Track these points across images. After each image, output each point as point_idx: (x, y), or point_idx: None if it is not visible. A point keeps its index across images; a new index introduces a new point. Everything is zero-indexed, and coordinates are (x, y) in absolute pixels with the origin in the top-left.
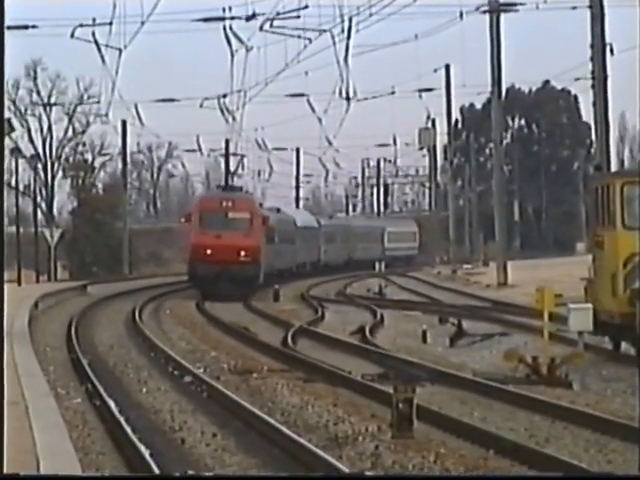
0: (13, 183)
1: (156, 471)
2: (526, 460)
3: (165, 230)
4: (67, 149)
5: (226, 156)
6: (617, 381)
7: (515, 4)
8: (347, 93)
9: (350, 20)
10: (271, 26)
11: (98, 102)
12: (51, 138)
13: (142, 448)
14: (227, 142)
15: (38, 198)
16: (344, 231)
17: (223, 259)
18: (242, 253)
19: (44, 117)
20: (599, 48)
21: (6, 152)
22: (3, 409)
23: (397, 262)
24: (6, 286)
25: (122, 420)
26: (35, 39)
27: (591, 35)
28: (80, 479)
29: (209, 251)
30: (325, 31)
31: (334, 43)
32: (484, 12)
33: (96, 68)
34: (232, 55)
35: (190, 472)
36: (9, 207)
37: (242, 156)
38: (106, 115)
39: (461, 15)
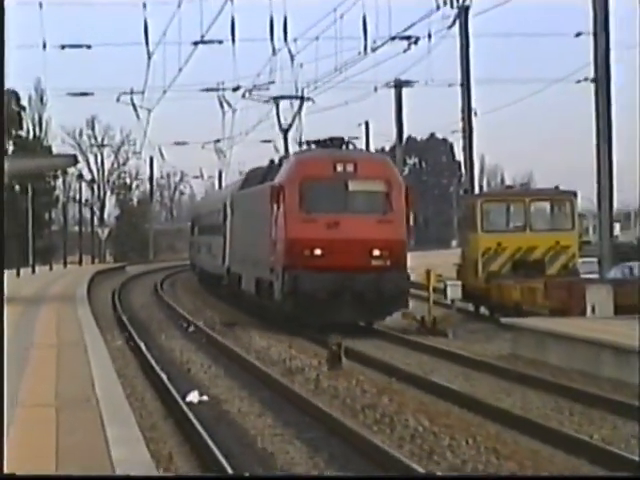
0: (78, 197)
1: (170, 387)
2: (415, 384)
3: (178, 230)
4: (114, 175)
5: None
6: (477, 332)
7: (411, 82)
8: (300, 139)
9: (302, 90)
10: (250, 94)
11: (134, 144)
12: (103, 168)
13: (162, 375)
14: (220, 174)
15: (94, 208)
16: None
17: (345, 264)
18: (376, 252)
19: (98, 154)
20: (467, 113)
21: (72, 178)
22: (3, 409)
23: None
24: (67, 268)
25: (149, 356)
26: (93, 102)
27: (462, 104)
28: (80, 479)
29: (319, 251)
30: (285, 98)
31: (292, 106)
32: (391, 87)
33: (133, 121)
34: (223, 113)
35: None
36: (74, 213)
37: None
38: (140, 153)
39: (375, 89)
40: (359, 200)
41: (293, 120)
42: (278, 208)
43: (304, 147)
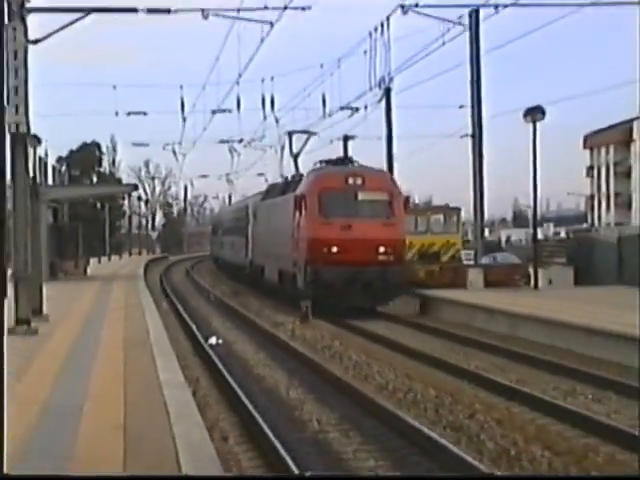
0: (138, 212)
1: (198, 334)
2: (357, 332)
3: (202, 232)
4: (161, 197)
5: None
6: (397, 299)
7: (354, 136)
8: (282, 174)
9: (282, 148)
10: (250, 144)
11: (174, 177)
12: (154, 192)
13: (192, 326)
14: (230, 195)
15: (148, 218)
16: None
17: (356, 259)
18: (381, 249)
19: (151, 183)
20: (389, 158)
21: (134, 199)
22: (3, 408)
23: None
24: (131, 257)
25: (184, 313)
26: (148, 150)
27: (387, 152)
28: (80, 479)
29: (335, 248)
30: (271, 147)
31: (276, 152)
32: (341, 140)
33: (174, 162)
34: (232, 157)
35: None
36: (136, 222)
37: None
38: (178, 182)
39: (331, 141)
40: (367, 207)
41: (301, 149)
42: (300, 214)
43: (318, 165)
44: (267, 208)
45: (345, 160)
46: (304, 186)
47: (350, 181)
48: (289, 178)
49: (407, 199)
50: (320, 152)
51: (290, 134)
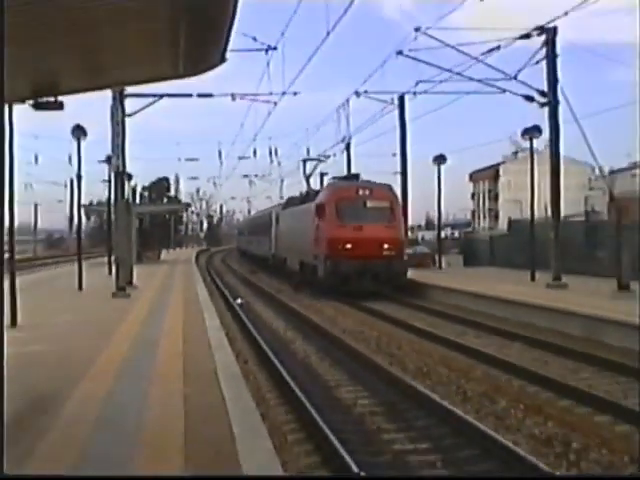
0: (191, 220)
1: (229, 296)
2: (332, 298)
3: (232, 234)
4: (206, 211)
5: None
6: None
7: (327, 174)
8: (281, 197)
9: (282, 181)
10: (262, 178)
11: (214, 199)
12: (201, 208)
13: (225, 291)
14: (249, 210)
15: (198, 225)
16: None
17: (365, 254)
18: (386, 246)
19: (200, 203)
20: None
21: (189, 212)
22: (3, 408)
23: None
24: (187, 249)
25: (221, 284)
26: (198, 182)
27: None
28: (79, 479)
29: (349, 245)
30: (275, 180)
31: (276, 185)
32: (319, 175)
33: (214, 189)
34: (250, 186)
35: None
36: (190, 227)
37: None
38: (216, 202)
39: (311, 176)
40: (373, 213)
41: (312, 171)
42: (320, 218)
43: (331, 180)
44: (288, 214)
45: (354, 176)
46: (323, 196)
47: (360, 192)
48: (304, 193)
49: (404, 207)
50: (302, 185)
51: (304, 161)
